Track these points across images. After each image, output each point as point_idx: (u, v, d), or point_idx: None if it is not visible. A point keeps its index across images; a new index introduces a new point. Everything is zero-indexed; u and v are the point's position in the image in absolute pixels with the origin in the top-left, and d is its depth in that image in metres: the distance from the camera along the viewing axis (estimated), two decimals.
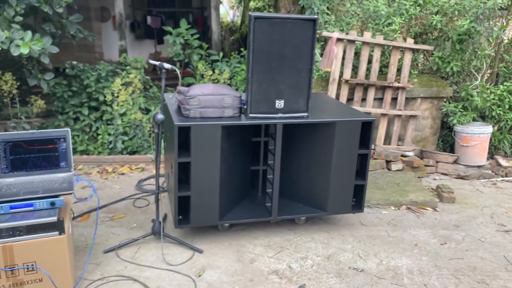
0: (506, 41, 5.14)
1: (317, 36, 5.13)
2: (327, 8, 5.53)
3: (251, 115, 3.10)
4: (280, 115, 3.14)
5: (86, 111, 6.46)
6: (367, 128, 3.32)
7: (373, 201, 4.06)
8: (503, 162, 5.09)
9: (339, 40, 4.78)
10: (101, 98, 6.28)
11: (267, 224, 3.58)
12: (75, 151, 5.54)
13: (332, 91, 4.85)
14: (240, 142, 3.34)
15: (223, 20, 11.73)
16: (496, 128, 5.24)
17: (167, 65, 2.93)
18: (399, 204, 4.04)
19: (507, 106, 5.00)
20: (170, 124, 3.10)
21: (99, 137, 6.18)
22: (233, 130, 3.17)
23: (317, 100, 3.86)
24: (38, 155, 2.81)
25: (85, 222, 3.54)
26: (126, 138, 5.74)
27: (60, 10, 4.73)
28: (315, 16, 3.02)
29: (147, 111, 6.06)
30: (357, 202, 3.53)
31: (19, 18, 4.40)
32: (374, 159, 4.86)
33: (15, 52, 4.09)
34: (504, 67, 5.23)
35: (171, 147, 3.08)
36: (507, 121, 5.09)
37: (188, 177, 3.08)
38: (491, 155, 5.32)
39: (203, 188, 3.08)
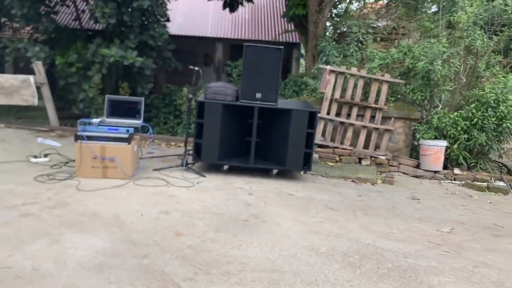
0: (464, 80, 6.82)
1: (322, 69, 7.30)
2: (338, 51, 7.71)
3: (241, 101, 5.39)
4: (258, 102, 5.38)
5: (172, 117, 9.36)
6: (314, 116, 5.40)
7: (331, 174, 6.00)
8: (457, 171, 6.65)
9: (332, 71, 6.90)
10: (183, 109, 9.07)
11: (252, 174, 5.72)
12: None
13: (325, 107, 6.92)
14: (235, 118, 5.60)
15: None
16: (456, 146, 6.82)
17: (196, 68, 5.39)
18: (348, 178, 5.93)
19: (459, 128, 6.61)
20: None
21: (177, 135, 8.93)
22: (230, 109, 5.45)
23: (297, 102, 6.01)
24: (125, 109, 5.37)
25: (147, 160, 6.02)
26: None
27: (160, 43, 7.58)
28: (281, 47, 5.29)
29: None
30: (308, 166, 5.55)
31: (132, 45, 7.29)
32: (350, 156, 6.76)
33: (125, 63, 6.91)
34: (463, 101, 6.87)
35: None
36: (461, 140, 6.68)
37: (201, 133, 5.41)
38: (452, 168, 6.87)
39: (209, 139, 5.38)
